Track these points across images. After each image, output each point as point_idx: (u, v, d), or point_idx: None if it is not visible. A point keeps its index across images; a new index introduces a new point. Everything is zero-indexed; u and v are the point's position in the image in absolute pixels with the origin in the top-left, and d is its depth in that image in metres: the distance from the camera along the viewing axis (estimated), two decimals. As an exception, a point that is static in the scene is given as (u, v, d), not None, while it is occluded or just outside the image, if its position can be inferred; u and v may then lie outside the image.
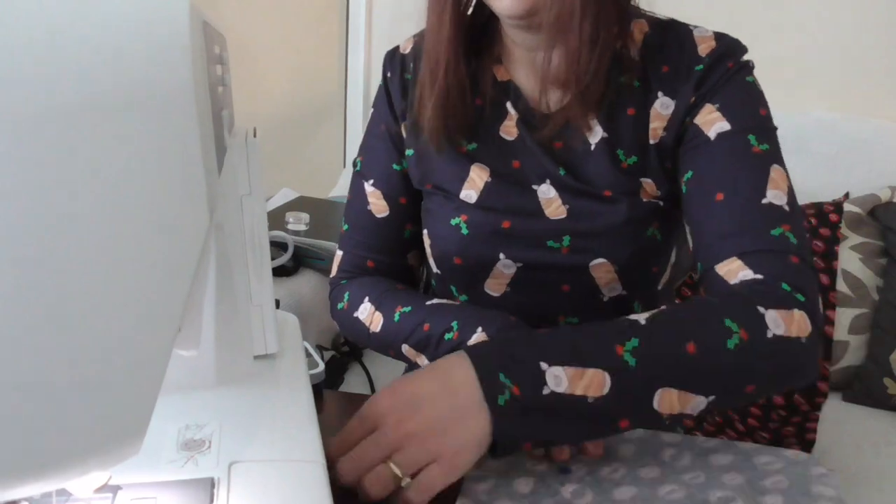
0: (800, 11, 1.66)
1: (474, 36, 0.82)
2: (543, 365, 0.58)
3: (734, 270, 0.69)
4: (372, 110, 0.93)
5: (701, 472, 0.62)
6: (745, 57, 0.77)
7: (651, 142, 0.78)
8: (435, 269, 0.88)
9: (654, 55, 0.78)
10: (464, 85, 0.80)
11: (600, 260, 0.79)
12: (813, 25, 1.65)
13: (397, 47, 0.91)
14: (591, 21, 0.71)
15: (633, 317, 0.63)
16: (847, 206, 1.43)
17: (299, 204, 1.60)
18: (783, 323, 0.63)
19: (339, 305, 0.89)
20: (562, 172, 0.79)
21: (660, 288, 0.86)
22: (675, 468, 0.63)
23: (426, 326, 0.77)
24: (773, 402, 1.30)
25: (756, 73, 0.78)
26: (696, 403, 0.61)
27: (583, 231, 0.79)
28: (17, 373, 0.25)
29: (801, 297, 0.65)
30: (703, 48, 0.76)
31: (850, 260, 1.40)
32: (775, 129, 0.75)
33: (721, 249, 0.70)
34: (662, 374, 0.60)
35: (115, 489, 0.45)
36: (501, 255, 0.81)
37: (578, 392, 0.58)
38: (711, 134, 0.74)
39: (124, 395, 0.29)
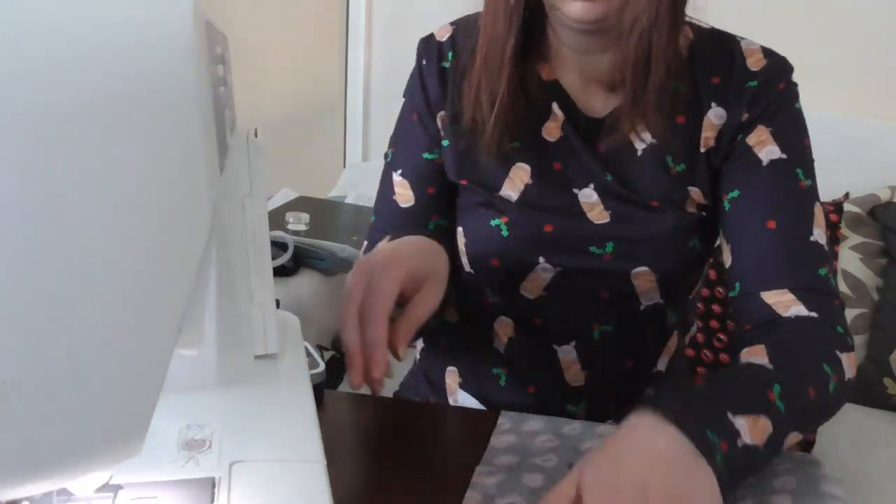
0: (800, 12, 1.66)
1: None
2: (730, 415, 0.56)
3: (785, 303, 0.71)
4: (404, 101, 0.90)
5: None
6: (793, 77, 0.77)
7: (702, 150, 0.77)
8: (468, 269, 0.85)
9: (703, 64, 0.77)
10: (518, 90, 0.78)
11: (643, 268, 0.78)
12: (813, 25, 1.66)
13: (432, 35, 0.88)
14: (654, 28, 0.71)
15: (748, 360, 0.65)
16: (847, 206, 1.43)
17: (299, 204, 1.60)
18: (851, 367, 0.68)
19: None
20: (609, 178, 0.78)
21: (691, 297, 0.86)
22: None
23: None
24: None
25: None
26: (793, 443, 0.63)
27: (627, 238, 0.78)
28: (19, 372, 0.25)
29: (850, 341, 0.70)
30: (753, 62, 0.76)
31: (850, 260, 1.40)
32: (814, 161, 0.77)
33: (770, 278, 0.72)
34: (797, 419, 0.61)
35: (115, 489, 0.45)
36: (541, 259, 0.80)
37: (757, 442, 0.57)
38: (763, 157, 0.75)
39: (126, 395, 0.29)
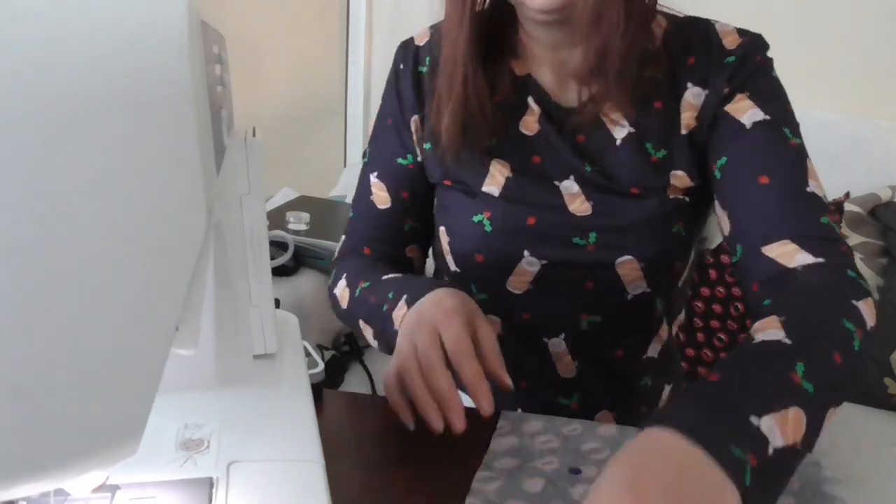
0: (800, 11, 1.66)
1: (488, 30, 0.81)
2: (754, 419, 0.49)
3: (789, 253, 0.68)
4: (381, 103, 0.91)
5: None
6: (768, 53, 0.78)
7: (683, 132, 0.77)
8: (453, 268, 0.86)
9: (679, 49, 0.78)
10: (483, 90, 0.79)
11: (627, 257, 0.78)
12: (813, 26, 1.65)
13: (412, 39, 0.89)
14: (621, 16, 0.71)
15: (762, 338, 0.58)
16: (847, 206, 1.43)
17: (299, 204, 1.60)
18: (871, 315, 0.63)
19: (329, 284, 0.91)
20: (588, 168, 0.78)
21: (679, 285, 0.86)
22: None
23: (373, 298, 0.79)
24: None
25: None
26: (833, 419, 0.56)
27: (609, 228, 0.78)
28: (15, 372, 0.25)
29: (865, 284, 0.66)
30: (729, 41, 0.77)
31: (851, 260, 1.40)
32: (799, 125, 0.76)
33: (770, 231, 0.70)
34: (830, 395, 0.55)
35: (113, 489, 0.45)
36: (526, 253, 0.80)
37: (789, 441, 0.50)
38: (746, 121, 0.74)
39: (122, 395, 0.29)
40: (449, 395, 0.63)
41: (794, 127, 0.75)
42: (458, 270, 0.85)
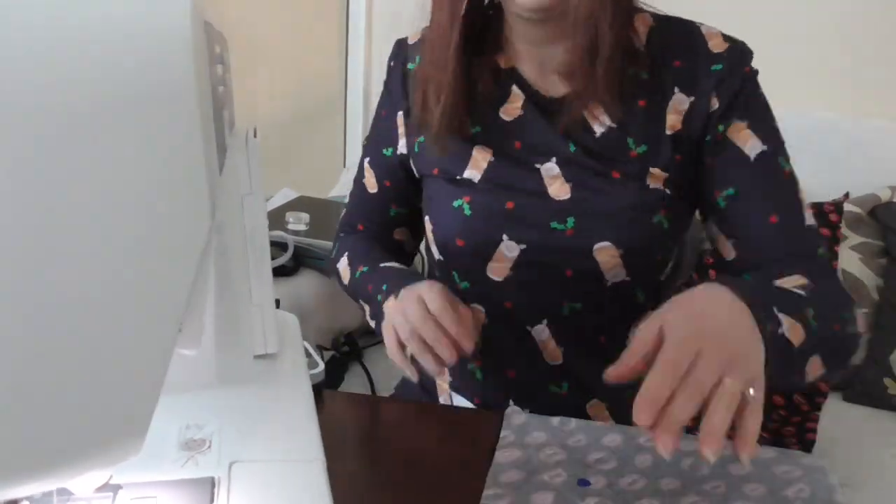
0: (800, 11, 1.66)
1: (475, 23, 0.83)
2: (776, 309, 0.61)
3: (800, 284, 0.75)
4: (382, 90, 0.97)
5: (721, 482, 0.62)
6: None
7: (667, 132, 0.79)
8: (437, 256, 0.88)
9: (663, 48, 0.79)
10: (467, 86, 0.82)
11: (605, 243, 0.79)
12: (813, 25, 1.65)
13: (404, 38, 0.94)
14: (606, 14, 0.74)
15: (788, 286, 0.70)
16: (847, 206, 1.43)
17: (299, 204, 1.60)
18: (862, 324, 0.73)
19: (333, 254, 1.00)
20: (571, 148, 0.80)
21: (663, 279, 0.87)
22: (695, 478, 0.63)
23: (370, 287, 0.86)
24: (773, 402, 1.30)
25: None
26: (820, 375, 0.67)
27: (587, 212, 0.79)
28: (19, 372, 0.25)
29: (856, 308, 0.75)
30: (714, 44, 0.78)
31: (850, 260, 1.40)
32: (783, 142, 0.81)
33: (783, 268, 0.76)
34: (824, 344, 0.66)
35: (115, 488, 0.45)
36: (504, 237, 0.81)
37: (793, 340, 0.62)
38: (749, 153, 0.78)
39: (126, 395, 0.29)
40: (441, 334, 0.72)
41: (785, 152, 0.80)
42: (441, 258, 0.88)
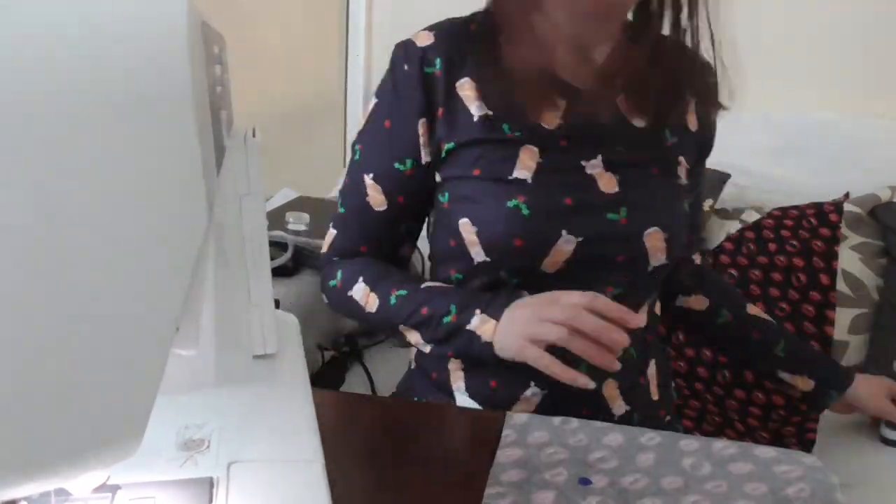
0: (800, 11, 1.66)
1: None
2: None
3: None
4: (375, 101, 0.91)
5: (722, 481, 0.62)
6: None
7: (692, 129, 0.91)
8: (480, 259, 0.85)
9: (681, 54, 0.89)
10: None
11: (654, 229, 0.85)
12: (813, 25, 1.65)
13: (411, 40, 0.88)
14: (650, 16, 0.85)
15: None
16: (847, 206, 1.43)
17: (299, 204, 1.59)
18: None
19: (332, 283, 0.92)
20: (614, 147, 0.86)
21: (688, 256, 1.00)
22: (697, 477, 0.63)
23: (424, 310, 0.83)
24: (773, 402, 1.30)
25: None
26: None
27: (636, 202, 0.85)
28: (16, 373, 0.25)
29: None
30: (713, 80, 0.91)
31: (850, 260, 1.40)
32: None
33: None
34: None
35: (113, 489, 0.45)
36: (564, 232, 0.83)
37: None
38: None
39: (123, 395, 0.29)
40: (603, 321, 0.74)
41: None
42: (487, 260, 0.85)
